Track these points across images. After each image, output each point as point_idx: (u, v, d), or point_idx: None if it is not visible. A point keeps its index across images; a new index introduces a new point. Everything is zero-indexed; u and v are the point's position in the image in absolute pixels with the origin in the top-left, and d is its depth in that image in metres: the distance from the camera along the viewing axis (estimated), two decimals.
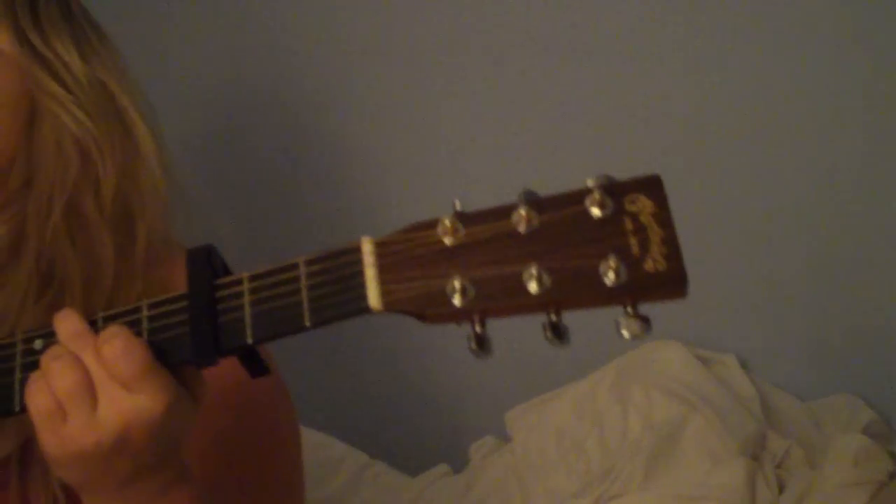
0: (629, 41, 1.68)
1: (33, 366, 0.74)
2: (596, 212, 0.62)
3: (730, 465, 1.60)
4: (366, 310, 0.66)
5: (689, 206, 1.66)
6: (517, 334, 1.55)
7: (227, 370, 0.75)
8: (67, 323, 0.74)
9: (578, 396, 1.81)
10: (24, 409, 0.74)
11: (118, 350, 0.71)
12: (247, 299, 0.70)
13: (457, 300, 0.63)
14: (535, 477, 1.77)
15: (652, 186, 0.63)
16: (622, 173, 1.69)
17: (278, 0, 1.96)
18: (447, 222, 0.65)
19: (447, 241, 0.65)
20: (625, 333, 0.61)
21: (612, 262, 0.61)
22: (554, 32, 1.72)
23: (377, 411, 2.05)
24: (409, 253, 0.65)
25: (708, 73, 1.65)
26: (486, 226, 0.64)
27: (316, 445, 1.84)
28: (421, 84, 1.87)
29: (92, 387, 0.72)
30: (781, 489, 1.61)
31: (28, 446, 0.92)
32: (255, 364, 0.74)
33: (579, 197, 0.63)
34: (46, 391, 0.72)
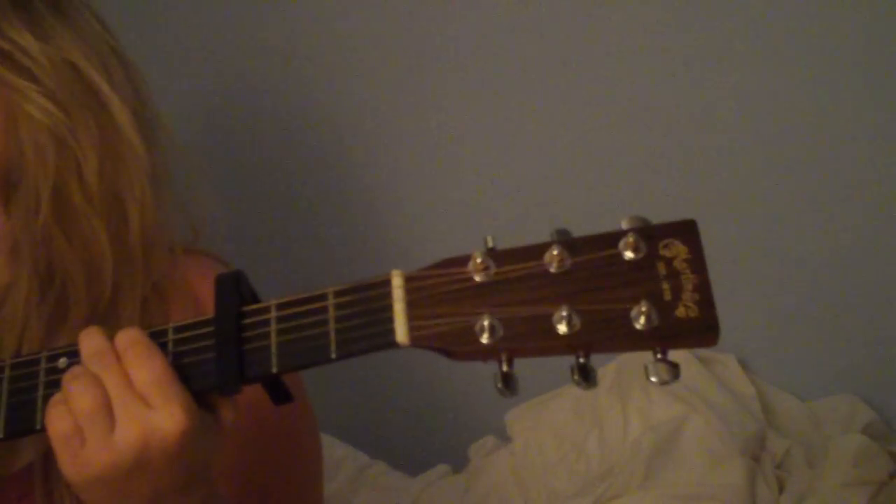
0: (639, 47, 1.68)
1: (56, 384, 0.75)
2: (629, 255, 0.62)
3: (730, 465, 1.61)
4: (393, 344, 0.66)
5: (690, 206, 1.67)
6: None
7: (250, 393, 0.74)
8: (91, 341, 0.74)
9: (578, 396, 1.81)
10: (45, 429, 0.74)
11: (140, 356, 0.72)
12: (273, 328, 0.70)
13: (485, 338, 0.63)
14: (535, 477, 1.77)
15: (687, 232, 0.62)
16: (628, 175, 1.69)
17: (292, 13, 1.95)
18: (478, 259, 0.65)
19: (478, 278, 0.65)
20: (653, 379, 0.61)
21: (643, 306, 0.60)
22: (576, 46, 1.73)
23: (377, 411, 2.05)
24: (439, 289, 0.65)
25: (712, 73, 1.65)
26: (517, 265, 0.64)
27: None
28: (434, 93, 1.86)
29: (110, 407, 0.72)
30: (781, 489, 1.62)
31: (51, 455, 0.92)
32: (278, 391, 0.74)
33: (613, 239, 0.63)
34: (66, 414, 0.72)
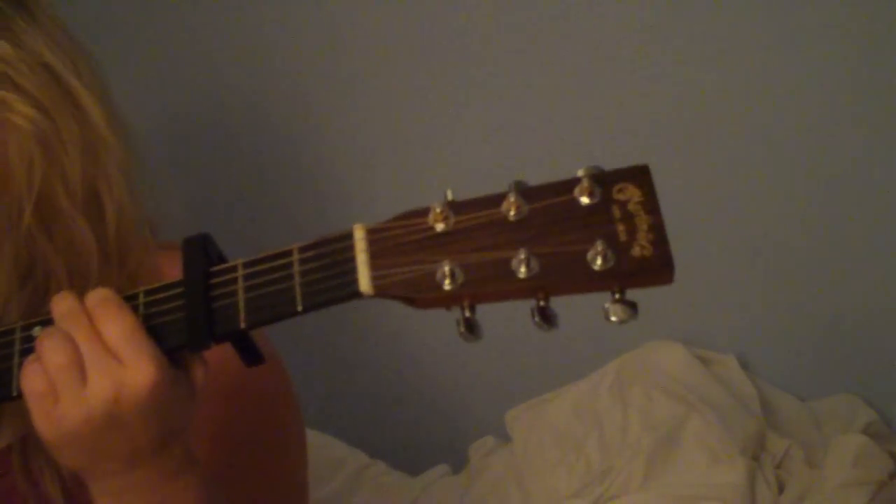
0: (624, 39, 1.68)
1: (31, 351, 0.76)
2: (584, 200, 0.64)
3: (730, 465, 1.61)
4: (357, 294, 0.67)
5: (689, 207, 1.67)
6: (517, 335, 1.56)
7: (230, 366, 0.75)
8: (62, 303, 0.75)
9: (578, 396, 1.81)
10: (21, 395, 0.75)
11: (110, 313, 0.73)
12: (241, 285, 0.72)
13: (447, 285, 0.64)
14: (535, 477, 1.77)
15: (640, 176, 0.64)
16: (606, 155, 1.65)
17: None
18: (438, 210, 0.66)
19: (438, 227, 0.66)
20: (612, 318, 0.62)
21: (599, 247, 0.62)
22: (547, 28, 1.72)
23: (377, 411, 2.05)
24: (401, 239, 0.66)
25: (705, 72, 1.65)
26: (476, 213, 0.65)
27: (316, 445, 1.82)
28: (408, 78, 1.85)
29: (82, 363, 0.72)
30: (781, 489, 1.62)
31: (28, 437, 0.93)
32: (249, 352, 0.75)
33: (568, 186, 0.65)
34: (39, 372, 0.73)
